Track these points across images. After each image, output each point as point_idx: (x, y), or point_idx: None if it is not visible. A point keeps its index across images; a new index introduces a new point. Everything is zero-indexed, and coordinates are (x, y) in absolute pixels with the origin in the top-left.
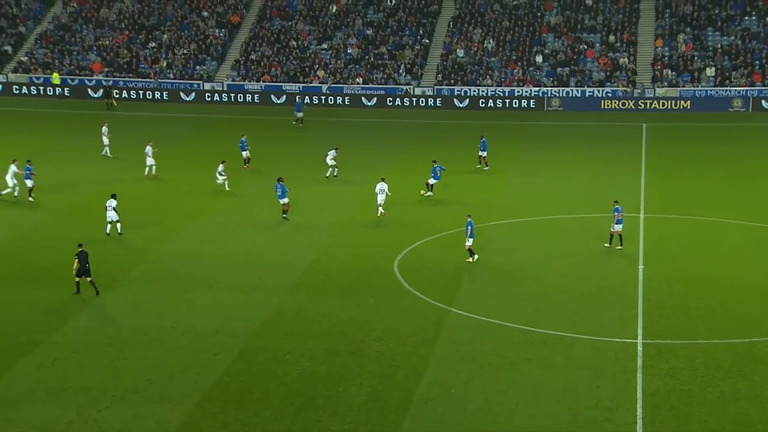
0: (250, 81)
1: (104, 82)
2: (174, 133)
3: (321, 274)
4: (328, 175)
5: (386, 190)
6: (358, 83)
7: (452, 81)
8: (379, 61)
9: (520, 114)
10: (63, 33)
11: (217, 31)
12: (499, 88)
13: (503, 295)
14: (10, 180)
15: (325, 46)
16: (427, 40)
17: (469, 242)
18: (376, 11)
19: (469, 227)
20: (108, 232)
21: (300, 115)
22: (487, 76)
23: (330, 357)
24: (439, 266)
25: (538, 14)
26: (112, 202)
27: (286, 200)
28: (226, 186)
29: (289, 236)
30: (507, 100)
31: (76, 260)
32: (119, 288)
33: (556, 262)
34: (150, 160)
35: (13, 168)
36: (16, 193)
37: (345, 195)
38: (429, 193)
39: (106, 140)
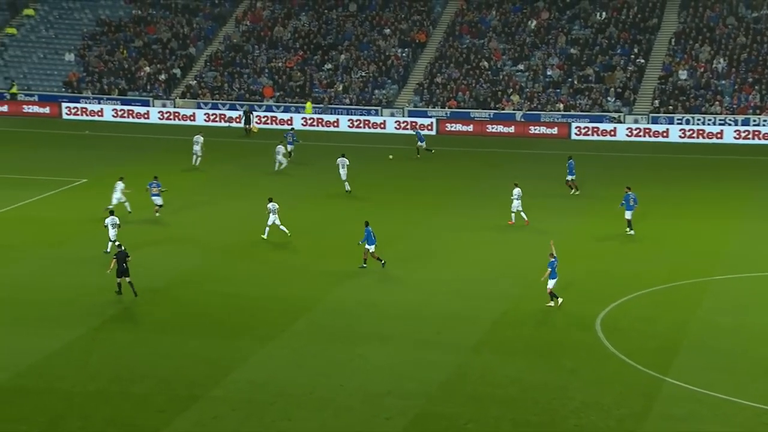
0: (434, 107)
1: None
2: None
3: (509, 330)
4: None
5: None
6: (558, 110)
7: (671, 108)
8: (584, 85)
9: (757, 147)
10: (234, 54)
11: (399, 50)
12: (730, 117)
13: (731, 365)
14: (115, 198)
15: (521, 67)
16: (642, 60)
17: (551, 284)
18: (583, 26)
19: (551, 267)
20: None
21: (422, 145)
22: (716, 102)
23: (518, 428)
24: (651, 327)
25: None
26: (114, 219)
27: (372, 248)
28: None
29: (472, 286)
30: (740, 131)
31: (114, 261)
32: (284, 339)
33: None
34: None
35: (120, 185)
36: (129, 209)
37: (536, 241)
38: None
39: (280, 158)
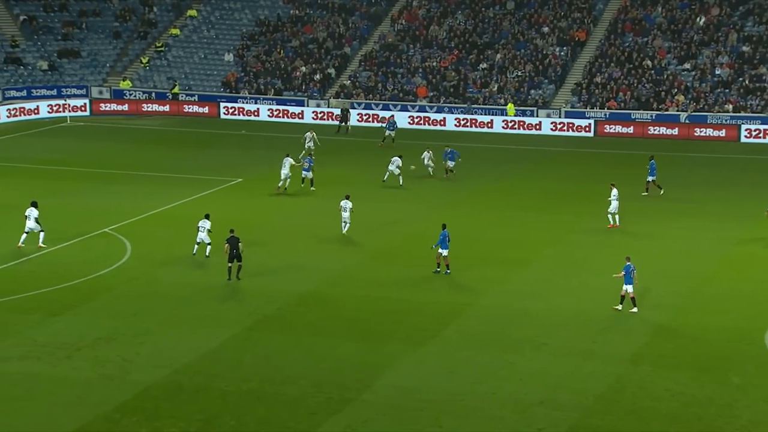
0: (592, 108)
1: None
2: (491, 169)
3: (670, 342)
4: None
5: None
6: (727, 111)
7: None
8: (756, 85)
9: None
10: (388, 54)
11: (557, 49)
12: None
13: None
14: (284, 173)
15: (687, 66)
16: None
17: (629, 289)
18: (757, 22)
19: (626, 271)
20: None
21: (391, 134)
22: None
23: None
24: None
25: None
26: (206, 223)
27: (445, 252)
28: None
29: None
30: None
31: (227, 245)
32: (434, 344)
33: None
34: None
35: (289, 161)
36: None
37: (696, 250)
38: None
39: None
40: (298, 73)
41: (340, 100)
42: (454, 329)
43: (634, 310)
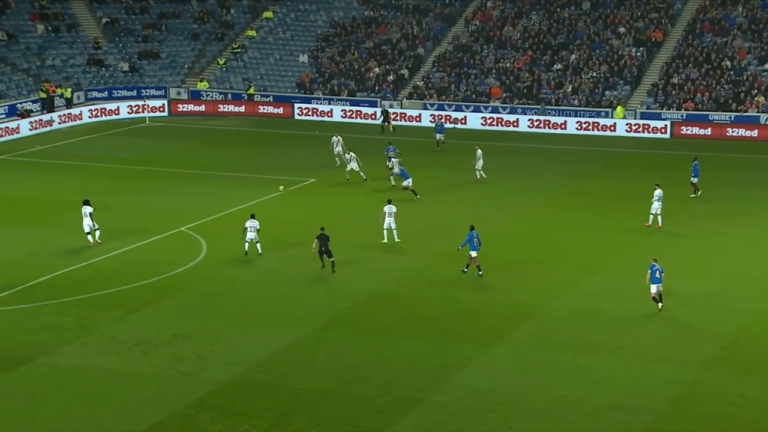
0: (668, 109)
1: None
2: (562, 170)
3: (747, 347)
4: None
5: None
6: None
7: None
8: None
9: None
10: (462, 55)
11: (633, 50)
12: None
13: None
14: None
15: None
16: None
17: (655, 289)
18: None
19: (651, 271)
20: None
21: (440, 137)
22: None
23: None
24: None
25: None
26: (254, 223)
27: (474, 253)
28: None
29: (706, 298)
30: None
31: (316, 242)
32: (505, 346)
33: None
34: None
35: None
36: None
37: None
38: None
39: (479, 165)
40: (371, 74)
41: (413, 101)
42: (525, 331)
43: (659, 305)
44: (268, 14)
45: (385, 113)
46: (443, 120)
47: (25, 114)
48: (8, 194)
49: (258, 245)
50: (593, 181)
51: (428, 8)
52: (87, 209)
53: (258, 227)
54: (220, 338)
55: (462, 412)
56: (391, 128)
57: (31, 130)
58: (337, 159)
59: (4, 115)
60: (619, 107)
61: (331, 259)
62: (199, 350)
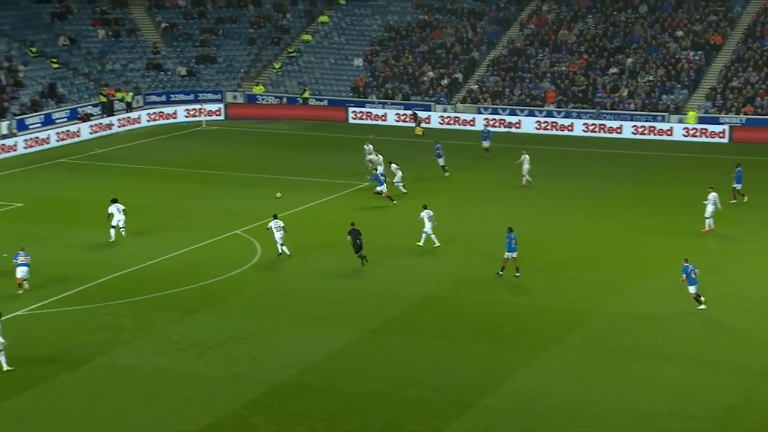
0: (727, 113)
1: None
2: (616, 174)
3: None
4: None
5: None
6: None
7: None
8: None
9: None
10: (516, 58)
11: (691, 53)
12: None
13: None
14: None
15: None
16: None
17: (693, 289)
18: None
19: (686, 273)
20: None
21: (486, 144)
22: None
23: None
24: None
25: None
26: (279, 223)
27: (514, 254)
28: None
29: (762, 304)
30: None
31: (349, 237)
32: (558, 351)
33: None
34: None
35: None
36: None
37: None
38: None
39: (524, 169)
40: (425, 78)
41: (467, 104)
42: (578, 336)
43: (702, 307)
44: (324, 19)
45: (415, 115)
46: (489, 127)
47: (86, 118)
48: (69, 197)
49: (284, 248)
50: (648, 186)
51: (483, 12)
52: (119, 206)
53: (283, 225)
54: (273, 340)
55: (513, 417)
56: (420, 131)
57: (91, 133)
58: (368, 165)
59: (65, 119)
60: (691, 112)
61: (361, 253)
62: (252, 352)
